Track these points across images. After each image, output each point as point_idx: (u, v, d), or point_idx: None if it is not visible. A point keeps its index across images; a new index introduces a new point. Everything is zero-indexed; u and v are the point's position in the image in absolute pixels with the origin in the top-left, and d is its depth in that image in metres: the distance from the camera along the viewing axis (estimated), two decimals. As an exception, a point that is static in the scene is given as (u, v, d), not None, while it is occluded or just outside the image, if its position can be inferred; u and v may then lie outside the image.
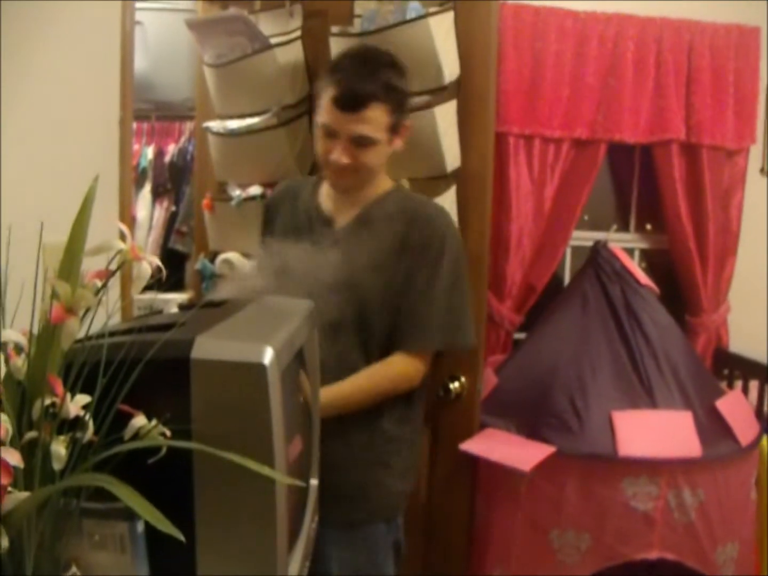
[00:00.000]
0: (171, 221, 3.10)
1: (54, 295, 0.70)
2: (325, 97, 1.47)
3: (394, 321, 1.52)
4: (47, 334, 0.73)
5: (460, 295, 1.58)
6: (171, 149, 3.15)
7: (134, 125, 3.08)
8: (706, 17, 2.84)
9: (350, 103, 1.43)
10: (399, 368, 1.55)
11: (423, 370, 1.58)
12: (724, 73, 2.87)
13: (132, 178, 1.88)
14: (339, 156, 1.46)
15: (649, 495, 2.11)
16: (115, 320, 1.04)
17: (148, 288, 0.82)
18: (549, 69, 2.76)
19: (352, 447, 1.55)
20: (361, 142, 1.46)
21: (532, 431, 2.19)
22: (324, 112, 1.47)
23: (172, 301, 2.62)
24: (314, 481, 1.26)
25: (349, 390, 1.51)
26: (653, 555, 2.13)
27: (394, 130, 1.50)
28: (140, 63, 2.86)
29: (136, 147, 3.16)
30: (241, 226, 2.23)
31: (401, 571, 1.70)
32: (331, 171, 1.52)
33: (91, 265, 0.81)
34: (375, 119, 1.44)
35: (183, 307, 1.10)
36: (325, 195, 1.62)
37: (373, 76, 1.45)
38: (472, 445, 2.11)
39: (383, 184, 1.61)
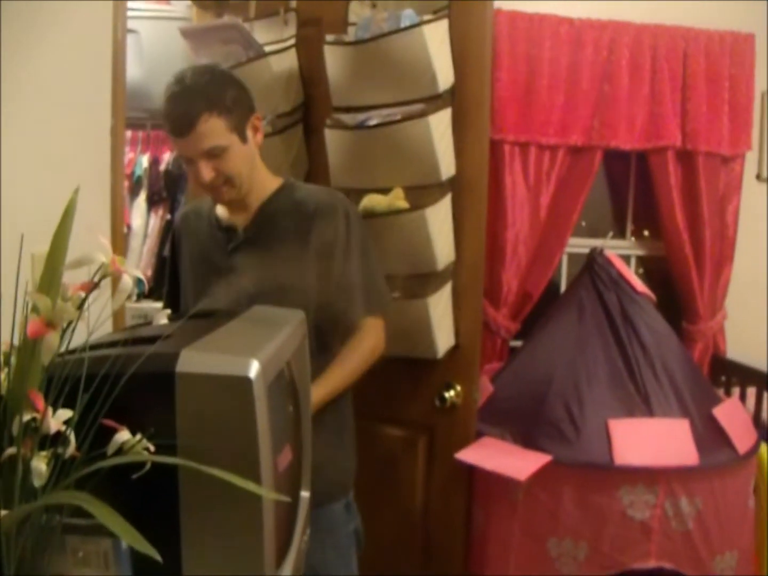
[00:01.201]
0: (166, 230, 3.09)
1: (33, 308, 0.69)
2: (164, 129, 1.51)
3: (331, 302, 1.57)
4: (27, 348, 0.72)
5: (375, 263, 1.66)
6: (166, 157, 3.14)
7: (129, 134, 3.09)
8: (700, 24, 2.84)
9: (180, 128, 1.44)
10: (370, 341, 1.62)
11: (383, 333, 1.65)
12: (719, 80, 2.88)
13: (124, 186, 1.87)
14: (201, 175, 1.48)
15: (646, 503, 2.09)
16: (106, 330, 1.04)
17: (143, 296, 0.81)
18: (544, 76, 2.76)
19: None
20: (213, 154, 1.47)
21: (529, 440, 2.17)
22: (174, 148, 1.54)
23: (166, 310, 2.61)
24: (305, 493, 1.24)
25: (340, 381, 1.56)
26: (651, 564, 2.11)
27: (239, 129, 1.50)
28: (135, 71, 2.85)
29: (131, 155, 3.16)
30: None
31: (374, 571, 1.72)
32: (209, 191, 1.55)
33: (81, 276, 0.80)
34: (212, 129, 1.44)
35: (172, 318, 1.08)
36: (221, 207, 1.65)
37: (189, 95, 1.45)
38: (468, 454, 2.10)
39: (271, 182, 1.63)
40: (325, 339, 1.59)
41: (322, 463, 1.46)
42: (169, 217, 3.12)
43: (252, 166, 1.56)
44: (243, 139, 1.52)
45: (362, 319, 1.61)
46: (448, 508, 2.20)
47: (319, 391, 1.49)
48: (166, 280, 1.76)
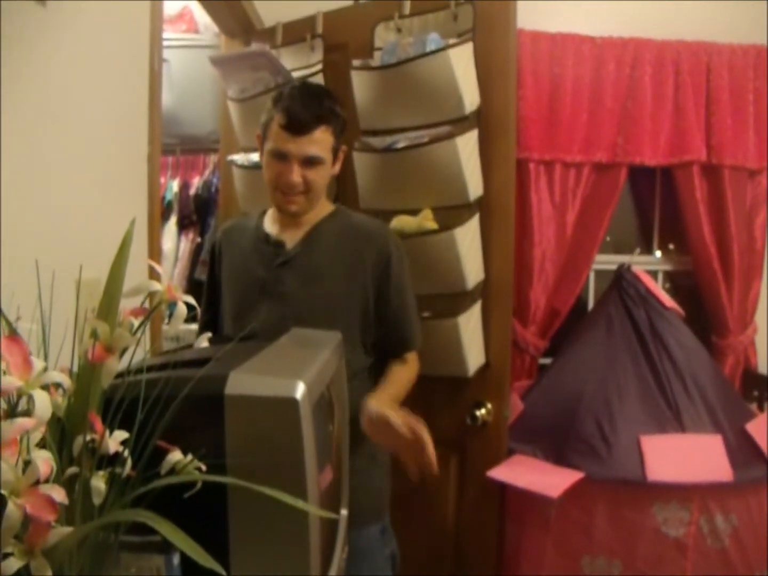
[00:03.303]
0: (196, 253, 3.13)
1: (94, 334, 0.72)
2: (273, 125, 1.55)
3: (387, 331, 1.65)
4: (87, 372, 0.75)
5: (413, 296, 1.71)
6: (196, 182, 3.20)
7: (160, 159, 3.16)
8: (722, 38, 2.85)
9: (300, 126, 1.51)
10: (414, 367, 1.71)
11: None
12: (743, 93, 2.88)
13: (160, 212, 1.92)
14: (291, 176, 1.53)
15: (681, 521, 2.08)
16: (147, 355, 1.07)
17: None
18: (567, 94, 2.79)
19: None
20: (311, 162, 1.54)
21: (560, 457, 2.17)
22: (273, 139, 1.55)
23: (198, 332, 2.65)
24: (344, 512, 1.26)
25: (403, 392, 1.62)
26: (686, 582, 2.10)
27: (335, 153, 1.60)
28: (165, 98, 2.91)
29: (161, 180, 3.22)
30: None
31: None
32: (282, 193, 1.58)
33: (123, 302, 0.83)
34: (322, 141, 1.54)
35: (213, 342, 1.11)
36: (271, 223, 1.69)
37: (317, 102, 1.55)
38: (500, 472, 2.11)
39: (326, 206, 1.69)
40: (366, 357, 1.65)
41: (357, 486, 1.47)
42: (199, 240, 3.17)
43: (324, 189, 1.64)
44: (333, 161, 1.61)
45: (413, 352, 1.71)
46: (480, 526, 2.20)
47: (390, 390, 1.56)
48: (203, 295, 1.78)
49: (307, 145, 1.52)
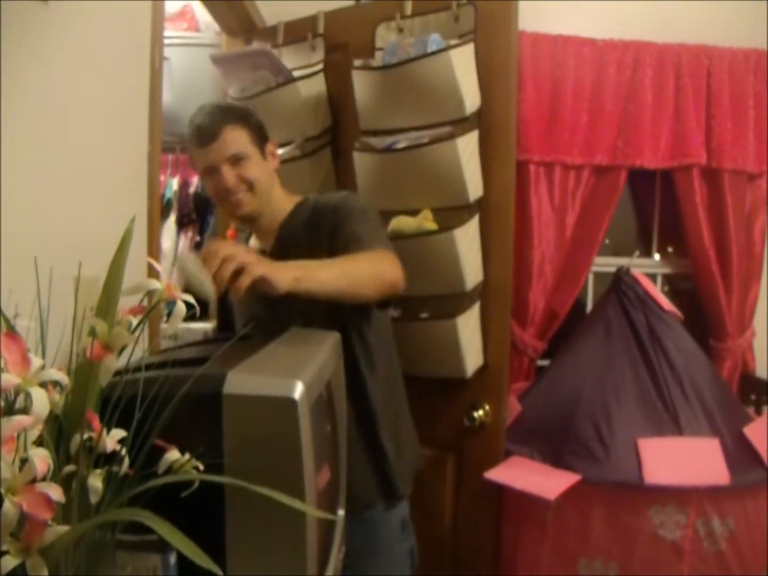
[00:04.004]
0: (196, 251, 3.13)
1: (92, 332, 0.72)
2: (190, 148, 1.59)
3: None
4: (85, 370, 0.75)
5: (383, 230, 1.62)
6: (195, 180, 3.19)
7: (160, 157, 3.15)
8: (723, 42, 2.86)
9: (206, 134, 1.53)
10: (376, 254, 1.46)
11: (398, 263, 1.49)
12: (744, 97, 2.88)
13: (159, 210, 1.91)
14: (225, 179, 1.53)
15: (678, 524, 2.08)
16: (145, 354, 1.07)
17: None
18: (568, 96, 2.79)
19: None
20: (236, 161, 1.54)
21: (557, 459, 2.17)
22: (196, 160, 1.58)
23: (197, 330, 2.66)
24: (341, 512, 1.26)
25: (332, 267, 1.38)
26: (683, 585, 2.10)
27: (260, 146, 1.59)
28: (165, 97, 2.90)
29: (161, 179, 3.22)
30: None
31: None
32: (229, 203, 1.57)
33: (121, 301, 0.83)
34: (235, 138, 1.54)
35: (210, 341, 1.11)
36: (254, 238, 1.71)
37: (216, 110, 1.58)
38: (497, 474, 2.10)
39: (288, 203, 1.67)
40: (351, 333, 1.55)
41: (371, 463, 1.51)
42: (198, 238, 3.16)
43: (271, 184, 1.62)
44: (263, 155, 1.60)
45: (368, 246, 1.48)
46: (477, 527, 2.21)
47: (304, 263, 1.32)
48: (215, 320, 1.81)
49: (221, 149, 1.53)
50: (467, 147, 1.99)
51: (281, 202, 1.66)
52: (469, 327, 2.05)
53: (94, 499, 0.75)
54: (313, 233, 1.58)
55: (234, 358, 0.92)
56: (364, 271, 1.40)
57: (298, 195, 1.70)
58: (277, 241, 1.63)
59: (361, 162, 2.10)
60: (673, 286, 3.23)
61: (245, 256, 1.14)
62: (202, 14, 2.93)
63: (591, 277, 3.10)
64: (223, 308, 1.81)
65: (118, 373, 0.84)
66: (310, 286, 1.24)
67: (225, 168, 1.53)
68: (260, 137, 1.60)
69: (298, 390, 0.83)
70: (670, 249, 3.20)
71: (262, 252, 1.64)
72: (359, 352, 1.58)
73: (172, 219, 3.17)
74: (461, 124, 1.99)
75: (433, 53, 1.97)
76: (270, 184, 1.62)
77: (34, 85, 1.19)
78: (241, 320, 1.70)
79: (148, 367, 0.91)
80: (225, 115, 1.56)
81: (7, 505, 0.64)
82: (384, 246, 1.51)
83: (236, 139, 1.55)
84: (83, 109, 1.36)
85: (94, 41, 1.40)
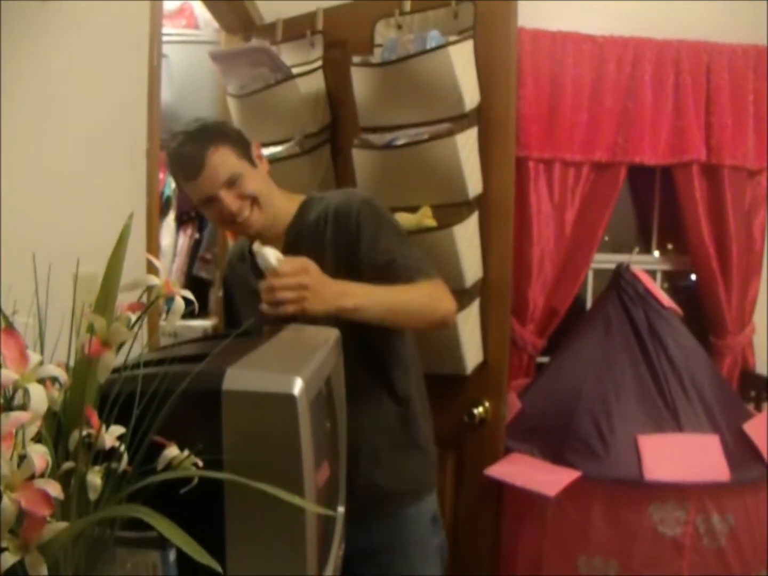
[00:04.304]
0: (195, 249, 3.12)
1: (91, 329, 0.72)
2: (177, 180, 1.54)
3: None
4: (83, 366, 0.75)
5: (408, 241, 1.55)
6: (195, 178, 3.19)
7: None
8: (723, 38, 2.85)
9: (192, 168, 1.45)
10: (429, 286, 1.44)
11: (449, 292, 1.47)
12: (744, 94, 2.88)
13: (158, 207, 1.91)
14: (227, 205, 1.46)
15: (677, 520, 2.08)
16: (144, 350, 1.06)
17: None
18: (567, 93, 2.79)
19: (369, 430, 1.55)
20: (231, 183, 1.46)
21: (557, 456, 2.18)
22: (192, 197, 1.52)
23: (196, 328, 2.66)
24: (341, 509, 1.26)
25: (390, 294, 1.40)
26: (683, 581, 2.10)
27: (247, 156, 1.51)
28: (165, 94, 2.90)
29: (160, 176, 3.21)
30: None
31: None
32: (238, 225, 1.51)
33: (120, 297, 0.83)
34: (222, 162, 1.45)
35: (210, 337, 1.11)
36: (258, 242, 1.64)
37: (192, 136, 1.47)
38: (497, 470, 2.11)
39: (292, 205, 1.60)
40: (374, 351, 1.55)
41: (394, 464, 1.50)
42: (197, 236, 3.16)
43: (270, 189, 1.56)
44: (253, 165, 1.52)
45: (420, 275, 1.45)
46: (476, 524, 2.21)
47: (365, 290, 1.35)
48: (223, 317, 1.75)
49: (213, 176, 1.45)
50: (466, 144, 1.98)
51: (283, 205, 1.59)
52: (468, 324, 2.05)
53: (93, 495, 0.75)
54: (318, 239, 1.52)
55: (233, 355, 0.91)
56: (422, 308, 1.43)
57: (297, 194, 1.64)
58: (286, 247, 1.53)
59: (361, 159, 2.10)
60: (673, 282, 3.23)
61: (307, 288, 1.22)
62: (201, 11, 2.92)
63: (591, 274, 3.10)
64: (229, 304, 1.76)
65: (117, 370, 0.84)
66: (366, 316, 1.34)
67: (223, 193, 1.46)
68: (243, 147, 1.52)
69: (298, 386, 0.83)
70: (669, 246, 3.20)
71: None
72: (389, 348, 1.56)
73: (171, 216, 3.16)
74: (460, 120, 1.99)
75: (433, 50, 1.96)
76: (270, 190, 1.55)
77: (33, 82, 1.18)
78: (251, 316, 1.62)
79: (147, 363, 0.91)
80: (203, 140, 1.46)
81: (5, 501, 0.64)
82: (435, 272, 1.48)
83: (224, 161, 1.46)
84: (82, 107, 1.36)
85: (92, 39, 1.40)
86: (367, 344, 1.52)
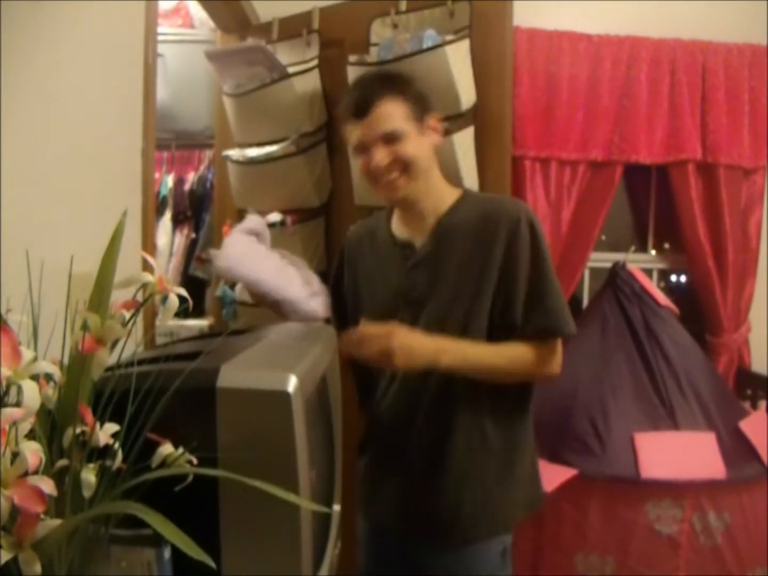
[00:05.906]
0: (191, 248, 3.13)
1: (85, 326, 0.72)
2: (345, 120, 1.44)
3: (527, 320, 1.42)
4: (77, 364, 0.75)
5: (554, 278, 1.49)
6: (191, 177, 3.19)
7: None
8: (718, 37, 2.86)
9: (361, 108, 1.39)
10: (544, 350, 1.43)
11: (560, 356, 1.47)
12: (739, 93, 2.88)
13: (154, 206, 1.91)
14: (377, 159, 1.39)
15: (674, 518, 2.09)
16: (139, 348, 1.06)
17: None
18: (563, 92, 2.79)
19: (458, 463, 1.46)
20: (391, 139, 1.38)
21: (554, 454, 2.18)
22: (349, 134, 1.44)
23: (193, 327, 2.66)
24: (336, 507, 1.26)
25: (487, 355, 1.39)
26: (679, 579, 2.10)
27: (418, 120, 1.42)
28: (160, 93, 2.89)
29: (156, 175, 3.21)
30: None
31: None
32: (381, 184, 1.43)
33: (115, 295, 0.83)
34: (391, 113, 1.39)
35: (205, 335, 1.11)
36: (397, 223, 1.54)
37: (375, 77, 1.46)
38: (494, 469, 2.10)
39: (450, 194, 1.50)
40: None
41: (483, 497, 1.42)
42: (193, 236, 3.16)
43: (430, 164, 1.46)
44: (421, 132, 1.43)
45: (553, 340, 1.45)
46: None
47: (462, 350, 1.35)
48: (332, 308, 1.61)
49: (375, 124, 1.38)
50: (463, 142, 1.99)
51: (442, 192, 1.49)
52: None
53: (87, 493, 0.75)
54: (476, 241, 1.43)
55: (228, 353, 0.91)
56: (522, 371, 1.42)
57: (455, 186, 1.54)
58: (433, 235, 1.46)
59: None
60: (669, 281, 3.23)
61: (392, 352, 1.26)
62: (197, 11, 2.92)
63: (587, 273, 3.10)
64: (337, 297, 1.65)
65: (111, 367, 0.84)
66: (459, 373, 1.37)
67: (377, 146, 1.38)
68: (420, 109, 1.43)
69: (292, 383, 0.83)
70: (665, 244, 3.21)
71: (408, 245, 1.50)
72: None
73: (167, 216, 3.17)
74: (457, 119, 1.99)
75: (429, 49, 1.97)
76: (428, 164, 1.45)
77: (28, 81, 1.18)
78: (370, 314, 1.50)
79: (142, 361, 0.91)
80: (381, 85, 1.40)
81: (-2, 498, 0.64)
82: (569, 327, 1.45)
83: (392, 114, 1.38)
84: (77, 106, 1.36)
85: (88, 38, 1.40)
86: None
